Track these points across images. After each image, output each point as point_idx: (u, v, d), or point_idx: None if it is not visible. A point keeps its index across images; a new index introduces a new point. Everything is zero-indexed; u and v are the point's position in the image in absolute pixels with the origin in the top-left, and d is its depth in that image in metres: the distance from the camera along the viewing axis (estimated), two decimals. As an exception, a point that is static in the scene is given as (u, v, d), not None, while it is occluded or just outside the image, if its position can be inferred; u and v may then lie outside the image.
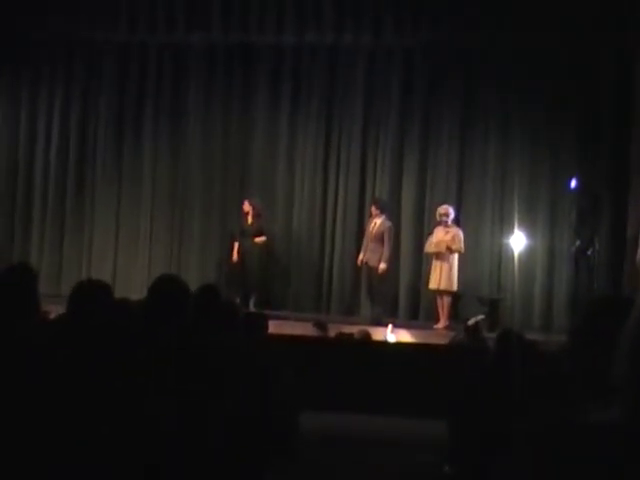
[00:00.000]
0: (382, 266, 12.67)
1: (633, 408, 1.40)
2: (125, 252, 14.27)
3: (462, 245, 12.54)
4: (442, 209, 12.67)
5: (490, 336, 8.59)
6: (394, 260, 13.55)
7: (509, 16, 12.87)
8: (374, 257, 12.71)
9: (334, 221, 13.96)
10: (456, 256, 12.55)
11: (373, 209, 12.98)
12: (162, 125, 14.30)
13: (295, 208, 14.04)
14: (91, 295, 3.72)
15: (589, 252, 12.34)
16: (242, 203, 13.43)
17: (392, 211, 13.57)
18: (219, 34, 13.83)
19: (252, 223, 13.29)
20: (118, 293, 12.86)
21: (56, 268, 14.11)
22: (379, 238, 12.70)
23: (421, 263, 13.40)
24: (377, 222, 12.82)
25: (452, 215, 12.69)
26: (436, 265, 12.61)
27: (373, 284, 12.90)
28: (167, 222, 14.30)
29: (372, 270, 12.78)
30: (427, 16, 13.31)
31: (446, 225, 12.57)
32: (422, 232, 13.54)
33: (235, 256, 13.36)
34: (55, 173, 14.46)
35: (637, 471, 1.35)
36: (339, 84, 13.94)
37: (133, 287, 13.20)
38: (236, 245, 13.39)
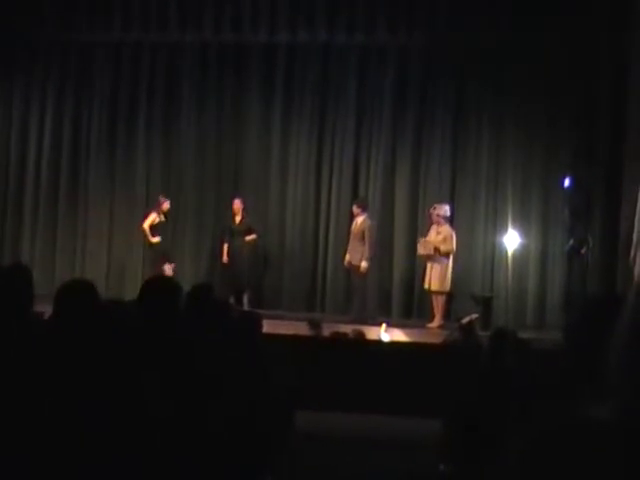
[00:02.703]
0: (363, 264, 12.70)
1: (627, 405, 1.40)
2: (119, 251, 14.25)
3: (453, 245, 12.54)
4: (440, 208, 12.65)
5: (484, 334, 8.60)
6: (388, 260, 13.62)
7: (504, 16, 12.89)
8: (356, 256, 12.76)
9: (327, 220, 13.96)
10: (451, 256, 12.56)
11: (354, 208, 13.03)
12: (155, 124, 14.29)
13: (288, 207, 14.04)
14: (76, 295, 3.72)
15: (582, 250, 12.35)
16: (232, 202, 13.41)
17: (384, 210, 13.64)
18: (212, 33, 13.82)
19: (241, 222, 13.30)
20: (112, 293, 12.82)
21: (49, 268, 14.08)
22: (360, 237, 12.75)
23: (414, 262, 13.42)
24: (358, 221, 12.87)
25: (448, 214, 12.69)
26: (428, 266, 12.65)
27: (354, 282, 12.94)
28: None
29: (354, 268, 12.81)
30: (420, 16, 13.30)
31: (438, 224, 12.58)
32: (415, 231, 13.56)
33: (225, 256, 13.34)
34: (48, 172, 14.44)
35: (633, 468, 1.35)
36: (332, 83, 13.94)
37: (126, 286, 13.20)
38: (225, 245, 13.37)
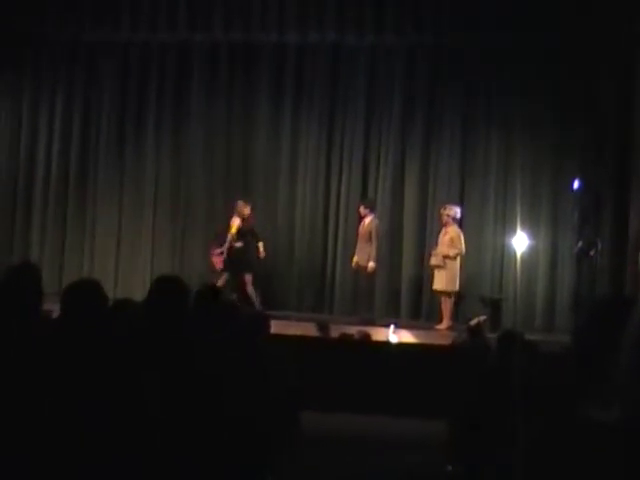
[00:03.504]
0: (371, 264, 12.68)
1: (635, 408, 1.39)
2: (127, 251, 14.27)
3: (462, 245, 12.52)
4: (450, 209, 12.64)
5: (492, 336, 8.58)
6: (397, 261, 13.62)
7: (512, 16, 12.84)
8: (364, 256, 12.74)
9: (336, 221, 13.95)
10: (458, 257, 12.55)
11: (362, 209, 13.00)
12: (164, 124, 14.30)
13: (297, 208, 14.03)
14: (82, 294, 3.72)
15: (591, 252, 12.32)
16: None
17: (393, 212, 13.65)
18: (221, 33, 13.82)
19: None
20: (120, 293, 12.82)
21: (58, 267, 14.10)
22: (367, 237, 12.74)
23: (423, 264, 13.39)
24: (366, 221, 12.86)
25: (458, 215, 12.68)
26: (436, 269, 12.65)
27: (360, 283, 12.93)
28: (169, 221, 14.29)
29: (362, 269, 12.79)
30: (429, 16, 13.28)
31: (447, 225, 12.56)
32: (424, 232, 13.56)
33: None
34: (57, 172, 14.46)
35: (636, 470, 1.35)
36: (341, 83, 13.93)
37: (135, 286, 13.21)
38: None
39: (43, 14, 13.97)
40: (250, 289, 12.86)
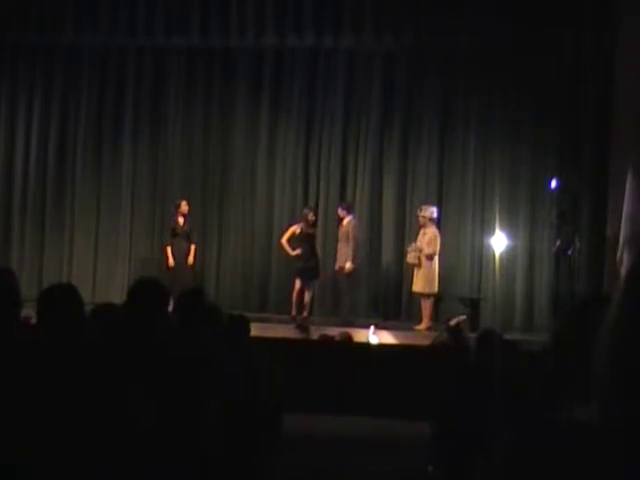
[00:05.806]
0: (348, 265, 12.67)
1: (610, 407, 1.41)
2: (105, 256, 14.21)
3: (437, 246, 12.54)
4: (426, 210, 12.68)
5: (472, 336, 8.62)
6: (376, 262, 13.63)
7: (490, 18, 12.91)
8: (343, 258, 12.74)
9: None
10: (435, 258, 12.58)
11: (340, 211, 13.00)
12: (142, 128, 14.24)
13: (275, 211, 14.01)
14: (58, 299, 3.72)
15: (569, 252, 12.39)
16: (178, 205, 13.20)
17: (372, 213, 13.68)
18: (199, 37, 13.79)
19: (184, 224, 13.17)
20: (99, 296, 12.71)
21: (37, 272, 14.03)
22: (346, 238, 12.73)
23: (402, 265, 13.42)
24: (344, 223, 12.86)
25: (434, 215, 12.70)
26: (415, 269, 12.68)
27: (342, 285, 12.93)
28: (147, 225, 14.25)
29: (341, 270, 12.80)
30: (407, 18, 13.32)
31: (424, 226, 12.60)
32: (403, 234, 13.59)
33: (171, 260, 13.11)
34: (34, 178, 14.37)
35: (615, 470, 1.36)
36: (319, 86, 13.94)
37: (114, 290, 13.15)
38: (169, 248, 13.20)
39: (20, 18, 13.88)
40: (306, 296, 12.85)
